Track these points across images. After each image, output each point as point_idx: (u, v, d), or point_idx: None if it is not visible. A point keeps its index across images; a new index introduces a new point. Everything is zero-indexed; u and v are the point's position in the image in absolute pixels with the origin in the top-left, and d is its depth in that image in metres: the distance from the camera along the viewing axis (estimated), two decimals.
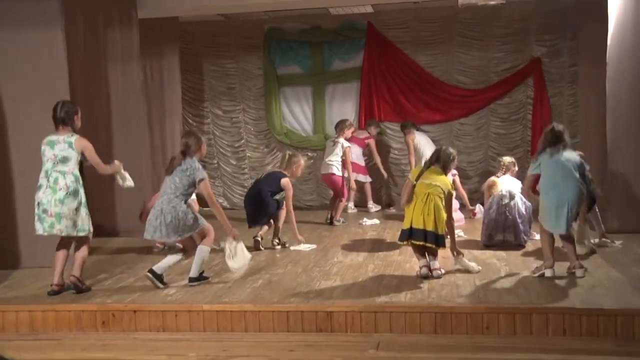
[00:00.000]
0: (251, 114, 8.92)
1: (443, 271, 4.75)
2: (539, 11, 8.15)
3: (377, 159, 8.17)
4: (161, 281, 4.68)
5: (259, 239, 6.05)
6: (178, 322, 4.21)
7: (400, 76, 8.58)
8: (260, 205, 5.97)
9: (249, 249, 5.98)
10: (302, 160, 6.20)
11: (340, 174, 7.41)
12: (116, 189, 6.69)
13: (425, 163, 4.95)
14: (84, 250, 4.70)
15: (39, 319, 4.31)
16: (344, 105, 8.65)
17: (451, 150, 4.94)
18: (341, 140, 7.47)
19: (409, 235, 4.66)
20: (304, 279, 4.80)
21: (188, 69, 8.72)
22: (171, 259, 4.76)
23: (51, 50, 5.28)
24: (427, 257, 4.76)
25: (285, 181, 5.97)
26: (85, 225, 4.62)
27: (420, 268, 4.74)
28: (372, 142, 8.19)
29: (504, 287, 4.42)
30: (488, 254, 5.46)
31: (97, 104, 6.44)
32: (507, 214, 5.57)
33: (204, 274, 4.82)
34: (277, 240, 6.13)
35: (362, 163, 8.13)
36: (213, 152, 8.93)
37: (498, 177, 5.92)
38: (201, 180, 4.66)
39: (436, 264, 4.74)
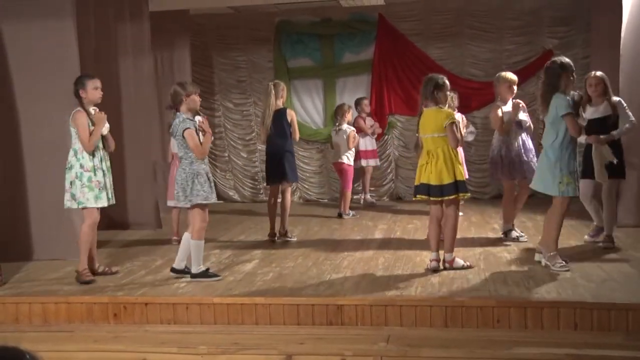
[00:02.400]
0: (262, 107, 8.87)
1: (465, 262, 4.72)
2: (551, 2, 8.08)
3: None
4: (187, 272, 4.69)
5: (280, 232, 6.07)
6: (189, 315, 4.22)
7: (411, 69, 8.54)
8: (286, 156, 5.93)
9: (256, 243, 6.02)
10: (282, 85, 6.05)
11: (351, 164, 7.39)
12: (127, 181, 6.76)
13: (420, 107, 4.79)
14: (84, 228, 4.71)
15: (52, 311, 4.35)
16: (354, 98, 8.58)
17: (434, 75, 4.83)
18: (344, 126, 7.44)
19: (416, 191, 4.71)
20: (314, 272, 4.81)
21: (198, 61, 8.73)
22: (184, 248, 4.74)
23: (63, 42, 5.29)
24: (438, 252, 4.76)
25: (289, 111, 6.00)
26: (81, 198, 4.64)
27: (430, 262, 4.73)
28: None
29: (514, 280, 4.39)
30: (499, 247, 5.44)
31: (108, 97, 6.38)
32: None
33: (211, 271, 4.73)
34: (285, 230, 6.11)
35: (374, 146, 8.12)
36: (224, 145, 8.95)
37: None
38: (185, 130, 4.47)
39: (451, 256, 4.73)
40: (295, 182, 6.63)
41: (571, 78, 4.54)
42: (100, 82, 4.77)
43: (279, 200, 6.13)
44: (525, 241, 5.55)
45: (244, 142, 9.02)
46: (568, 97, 4.49)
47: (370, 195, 8.26)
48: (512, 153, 5.44)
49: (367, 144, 7.99)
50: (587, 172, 5.13)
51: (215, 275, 4.71)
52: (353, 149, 7.37)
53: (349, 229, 6.66)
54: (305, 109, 8.89)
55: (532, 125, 5.52)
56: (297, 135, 6.02)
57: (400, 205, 8.09)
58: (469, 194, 4.84)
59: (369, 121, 8.09)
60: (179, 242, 4.99)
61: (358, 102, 8.03)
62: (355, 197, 8.05)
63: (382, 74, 8.57)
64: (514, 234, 5.63)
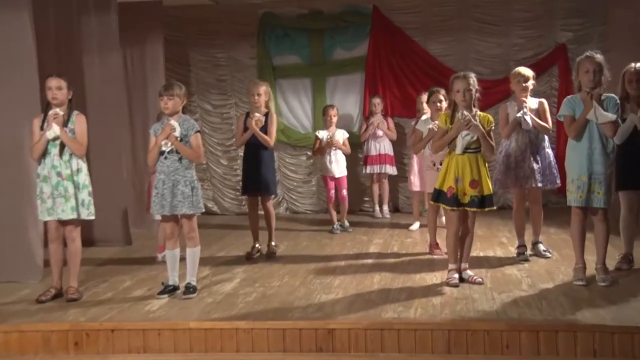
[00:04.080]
0: (244, 108, 8.83)
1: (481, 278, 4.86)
2: None
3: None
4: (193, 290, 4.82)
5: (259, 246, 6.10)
6: (161, 342, 4.16)
7: (409, 66, 8.54)
8: (266, 164, 6.01)
9: (237, 260, 5.98)
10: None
11: (346, 172, 7.43)
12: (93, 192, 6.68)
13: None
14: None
15: (0, 341, 4.24)
16: (346, 99, 8.62)
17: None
18: (340, 131, 7.44)
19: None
20: (302, 293, 4.77)
21: (173, 58, 8.68)
22: (192, 261, 4.88)
23: (17, 36, 5.23)
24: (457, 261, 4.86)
25: (271, 113, 6.03)
26: (38, 210, 4.88)
27: (449, 273, 4.85)
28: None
29: (525, 301, 4.37)
30: (506, 264, 5.41)
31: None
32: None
33: (169, 284, 4.82)
34: (273, 243, 6.14)
35: (392, 152, 8.19)
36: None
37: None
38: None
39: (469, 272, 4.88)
40: (274, 195, 6.66)
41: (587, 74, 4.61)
42: (57, 81, 4.72)
43: (262, 212, 6.14)
44: (549, 257, 5.53)
45: (224, 148, 8.97)
46: (570, 97, 4.73)
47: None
48: (516, 157, 5.45)
49: (387, 149, 8.11)
50: (624, 181, 5.05)
51: (171, 290, 4.83)
52: (332, 154, 7.32)
53: (340, 244, 6.63)
54: (292, 111, 8.87)
55: (547, 126, 5.47)
56: (272, 141, 6.01)
57: (397, 218, 8.06)
58: (446, 206, 4.85)
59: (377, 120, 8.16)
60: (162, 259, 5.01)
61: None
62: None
63: (377, 73, 8.56)
64: (541, 246, 5.64)
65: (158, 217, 5.02)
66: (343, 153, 7.39)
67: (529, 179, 5.43)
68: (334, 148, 7.29)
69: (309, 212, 8.87)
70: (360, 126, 8.37)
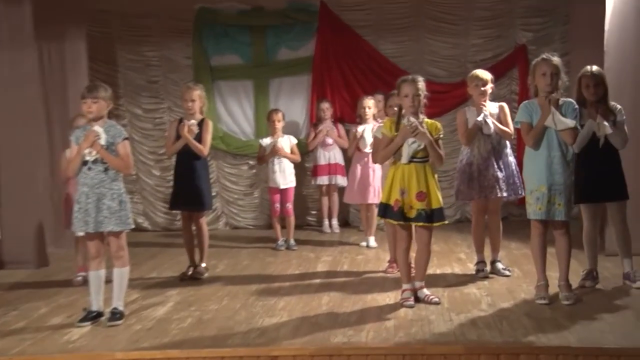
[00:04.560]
0: (178, 113, 8.73)
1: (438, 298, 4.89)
2: None
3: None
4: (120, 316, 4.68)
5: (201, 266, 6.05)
6: None
7: (360, 68, 8.62)
8: (199, 176, 5.97)
9: (170, 281, 5.89)
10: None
11: (294, 183, 7.45)
12: (1, 207, 6.50)
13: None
14: None
15: None
16: (292, 103, 8.63)
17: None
18: (287, 137, 7.44)
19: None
20: (243, 316, 4.73)
21: (98, 57, 8.53)
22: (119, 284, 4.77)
23: None
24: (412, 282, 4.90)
25: (207, 120, 6.02)
26: None
27: (403, 293, 4.90)
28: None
29: (485, 322, 4.42)
30: (465, 282, 5.49)
31: None
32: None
33: (92, 310, 4.71)
34: (203, 265, 6.09)
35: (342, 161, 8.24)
36: None
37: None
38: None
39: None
40: (209, 210, 6.60)
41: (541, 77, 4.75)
42: None
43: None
44: (509, 275, 5.62)
45: (157, 157, 8.86)
46: (527, 102, 4.87)
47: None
48: (479, 165, 5.53)
49: (338, 158, 8.17)
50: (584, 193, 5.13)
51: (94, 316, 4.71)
52: (277, 163, 7.32)
53: (285, 262, 6.60)
54: (233, 117, 8.83)
55: (509, 131, 5.58)
56: (206, 150, 5.97)
57: (347, 233, 8.09)
58: (389, 220, 4.93)
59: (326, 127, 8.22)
60: (86, 280, 4.91)
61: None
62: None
63: (325, 75, 8.61)
64: (499, 265, 5.71)
65: (80, 234, 4.89)
66: (291, 162, 7.39)
67: (494, 188, 5.53)
68: (277, 157, 7.28)
69: (250, 227, 8.82)
70: (308, 134, 8.39)
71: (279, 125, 7.44)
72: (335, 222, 8.28)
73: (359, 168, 7.26)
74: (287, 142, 7.41)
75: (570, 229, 4.81)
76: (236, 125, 8.83)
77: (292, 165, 7.41)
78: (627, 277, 5.16)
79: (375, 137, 5.85)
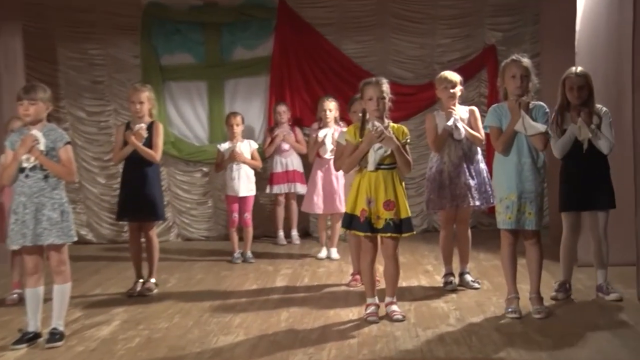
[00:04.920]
0: (125, 116, 8.68)
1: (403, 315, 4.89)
2: None
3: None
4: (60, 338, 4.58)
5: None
6: None
7: (321, 68, 8.69)
8: (150, 184, 5.92)
9: (117, 298, 5.83)
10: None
11: (254, 191, 7.45)
12: None
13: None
14: None
15: None
16: (249, 105, 8.65)
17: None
18: (247, 142, 7.44)
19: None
20: (196, 335, 4.71)
21: (36, 55, 8.44)
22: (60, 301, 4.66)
23: None
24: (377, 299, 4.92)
25: (157, 123, 5.99)
26: None
27: (367, 308, 4.89)
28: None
29: (453, 337, 4.47)
30: (432, 296, 5.54)
31: None
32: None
33: (28, 331, 4.61)
34: (152, 280, 6.05)
35: (301, 168, 8.26)
36: None
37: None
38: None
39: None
40: (160, 221, 6.59)
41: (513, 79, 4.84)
42: None
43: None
44: (478, 288, 5.70)
45: (102, 163, 8.79)
46: (496, 105, 4.96)
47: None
48: (450, 172, 5.59)
49: (296, 164, 8.20)
50: (567, 202, 5.25)
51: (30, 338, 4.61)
52: (236, 169, 7.33)
53: (242, 275, 6.59)
54: (185, 120, 8.81)
55: (480, 136, 5.65)
56: (158, 155, 5.94)
57: (308, 244, 8.11)
58: (355, 232, 4.94)
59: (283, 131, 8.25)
60: (22, 298, 4.83)
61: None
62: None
63: (284, 76, 8.65)
64: (468, 277, 5.78)
65: (15, 247, 4.80)
66: (252, 168, 7.39)
67: (466, 197, 5.59)
68: (236, 163, 7.27)
69: (204, 238, 8.80)
70: (264, 139, 8.38)
71: (238, 129, 7.43)
72: (295, 232, 8.30)
73: (320, 175, 7.28)
74: (247, 147, 7.41)
75: (541, 239, 4.90)
76: (189, 130, 8.80)
77: (252, 172, 7.41)
78: (600, 289, 5.26)
79: (338, 144, 5.86)
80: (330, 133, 7.17)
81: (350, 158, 4.89)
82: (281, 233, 8.28)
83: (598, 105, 5.21)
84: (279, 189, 8.17)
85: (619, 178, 5.37)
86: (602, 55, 6.19)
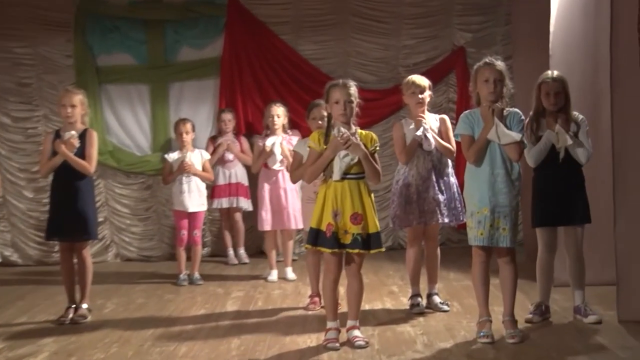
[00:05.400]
0: (57, 123, 8.58)
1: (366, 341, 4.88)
2: None
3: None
4: None
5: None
6: None
7: (275, 71, 8.72)
8: (82, 199, 5.85)
9: (45, 327, 5.73)
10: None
11: (205, 206, 7.42)
12: None
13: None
14: None
15: None
16: (196, 111, 8.62)
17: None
18: (198, 152, 7.40)
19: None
20: None
21: None
22: None
23: None
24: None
25: (90, 131, 5.93)
26: None
27: (327, 333, 4.88)
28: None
29: None
30: (398, 320, 5.56)
31: None
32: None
33: None
34: (85, 306, 5.95)
35: (246, 181, 8.27)
36: None
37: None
38: None
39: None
40: (93, 240, 6.53)
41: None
42: None
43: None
44: (447, 310, 5.73)
45: (30, 175, 8.71)
46: (468, 112, 5.00)
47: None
48: (418, 186, 5.61)
49: (240, 176, 8.21)
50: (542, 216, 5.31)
51: None
52: (186, 182, 7.29)
53: (189, 299, 6.55)
54: (124, 127, 8.78)
55: (452, 148, 5.68)
56: (92, 167, 5.88)
57: (261, 263, 8.10)
58: (323, 249, 4.91)
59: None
60: None
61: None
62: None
63: (235, 79, 8.67)
64: (437, 299, 5.80)
65: None
66: (203, 181, 7.35)
67: (434, 213, 5.61)
68: (186, 174, 7.21)
69: (146, 258, 8.75)
70: (206, 148, 8.31)
71: (188, 137, 7.39)
72: (242, 251, 8.30)
73: (267, 188, 7.26)
74: (198, 158, 7.37)
75: (516, 257, 4.95)
76: (129, 138, 8.75)
77: (203, 185, 7.37)
78: (578, 311, 5.32)
79: (295, 153, 5.86)
80: (279, 142, 7.16)
81: (313, 166, 4.89)
82: (231, 251, 8.28)
83: (574, 112, 5.29)
84: (220, 203, 8.18)
85: (593, 190, 5.46)
86: (578, 57, 6.29)
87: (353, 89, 4.88)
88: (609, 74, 5.29)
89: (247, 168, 8.14)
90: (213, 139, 8.36)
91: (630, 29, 5.06)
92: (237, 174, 8.20)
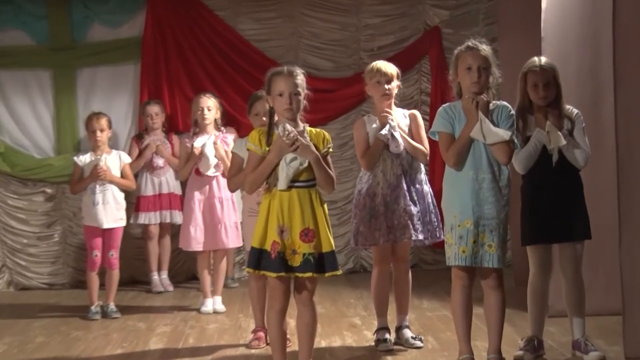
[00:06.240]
0: None
1: None
2: None
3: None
4: None
5: None
6: None
7: (210, 55, 8.76)
8: None
9: None
10: None
11: (123, 221, 7.36)
12: None
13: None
14: None
15: None
16: (112, 103, 8.61)
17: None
18: (116, 154, 7.35)
19: None
20: None
21: None
22: None
23: None
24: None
25: None
26: None
27: None
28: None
29: None
30: (364, 357, 5.61)
31: None
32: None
33: None
34: None
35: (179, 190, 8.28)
36: None
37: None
38: None
39: None
40: None
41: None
42: None
43: None
44: (420, 347, 5.79)
45: None
46: (447, 106, 5.03)
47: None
48: (385, 196, 5.66)
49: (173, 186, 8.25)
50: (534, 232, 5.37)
51: None
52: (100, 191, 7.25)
53: (102, 336, 6.52)
54: (20, 123, 8.75)
55: (425, 150, 5.73)
56: None
57: (192, 291, 8.13)
58: (267, 273, 4.88)
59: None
60: None
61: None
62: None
63: (161, 63, 8.69)
64: (408, 333, 5.82)
65: None
66: (122, 190, 7.31)
67: (406, 228, 5.60)
68: (100, 182, 7.17)
69: (47, 286, 8.69)
70: (129, 150, 8.31)
71: (104, 135, 7.29)
72: (164, 276, 8.34)
73: (198, 199, 7.24)
74: (115, 162, 7.28)
75: (503, 280, 5.00)
76: (26, 137, 8.70)
77: (122, 195, 7.28)
78: (577, 346, 5.36)
79: (234, 155, 5.84)
80: (211, 142, 7.15)
81: (253, 174, 4.87)
82: (156, 277, 8.28)
83: (568, 107, 5.37)
84: (148, 218, 8.17)
85: (594, 199, 5.52)
86: (575, 41, 6.35)
87: (300, 78, 4.86)
88: (611, 60, 5.34)
89: None
90: (138, 138, 8.34)
91: (636, 6, 5.12)
92: (169, 182, 8.21)
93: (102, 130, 7.27)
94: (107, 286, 7.25)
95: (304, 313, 4.89)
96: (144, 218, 8.17)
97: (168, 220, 8.17)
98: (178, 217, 8.14)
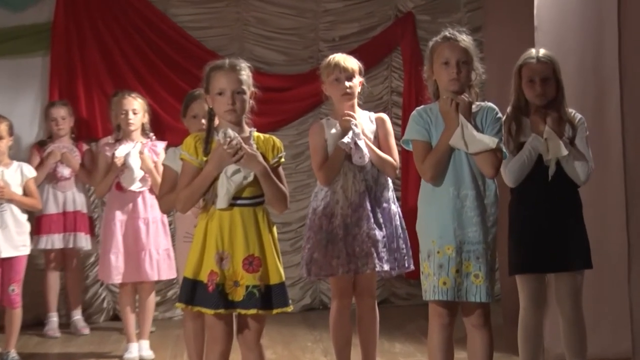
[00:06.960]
0: None
1: None
2: None
3: None
4: None
5: None
6: None
7: (136, 46, 8.78)
8: None
9: None
10: None
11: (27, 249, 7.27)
12: None
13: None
14: None
15: None
16: (14, 104, 8.58)
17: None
18: (17, 166, 7.30)
19: None
20: None
21: None
22: None
23: None
24: None
25: None
26: None
27: None
28: None
29: None
30: None
31: None
32: None
33: None
34: None
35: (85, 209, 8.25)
36: None
37: None
38: None
39: None
40: None
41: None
42: None
43: None
44: None
45: None
46: (421, 108, 5.01)
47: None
48: (345, 217, 5.66)
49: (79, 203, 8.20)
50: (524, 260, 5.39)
51: None
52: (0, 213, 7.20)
53: None
54: None
55: (393, 161, 5.71)
56: None
57: (117, 335, 8.12)
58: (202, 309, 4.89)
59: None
60: None
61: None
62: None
63: (74, 55, 8.69)
64: None
65: None
66: (24, 210, 7.26)
67: (369, 257, 5.57)
68: None
69: None
70: (29, 160, 8.20)
71: (2, 144, 7.23)
72: (78, 316, 8.28)
73: (119, 219, 7.17)
74: (16, 176, 7.22)
75: (491, 318, 5.00)
76: None
77: (24, 216, 7.21)
78: None
79: (165, 168, 5.80)
80: (136, 151, 7.09)
81: (187, 189, 4.82)
82: (54, 318, 8.21)
83: (570, 110, 5.40)
84: (50, 242, 8.09)
85: (596, 222, 5.56)
86: (574, 32, 6.41)
87: (245, 73, 4.83)
88: (617, 55, 5.39)
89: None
90: (40, 145, 8.28)
91: None
92: (76, 198, 8.15)
93: (2, 138, 7.21)
94: (7, 329, 7.16)
95: (250, 358, 4.89)
96: (45, 242, 8.07)
97: (72, 245, 8.09)
98: (84, 242, 8.12)
